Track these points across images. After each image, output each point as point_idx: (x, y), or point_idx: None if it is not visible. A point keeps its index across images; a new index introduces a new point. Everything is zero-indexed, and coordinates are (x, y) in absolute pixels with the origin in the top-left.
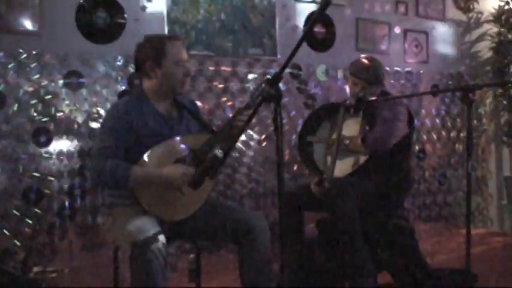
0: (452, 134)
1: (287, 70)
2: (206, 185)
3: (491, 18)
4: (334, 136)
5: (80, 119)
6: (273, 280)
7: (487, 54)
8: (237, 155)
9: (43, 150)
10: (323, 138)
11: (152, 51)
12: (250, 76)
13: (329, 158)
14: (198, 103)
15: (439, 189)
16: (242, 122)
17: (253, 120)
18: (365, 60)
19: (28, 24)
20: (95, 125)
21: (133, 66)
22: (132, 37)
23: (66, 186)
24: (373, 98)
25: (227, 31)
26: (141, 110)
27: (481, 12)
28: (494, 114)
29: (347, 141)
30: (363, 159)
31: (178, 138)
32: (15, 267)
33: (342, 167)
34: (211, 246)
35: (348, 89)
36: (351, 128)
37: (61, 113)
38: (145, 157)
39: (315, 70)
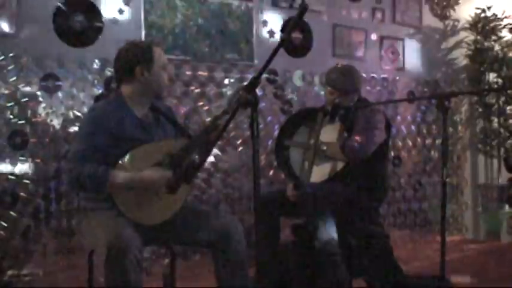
0: (428, 141)
1: (264, 75)
2: (182, 190)
3: (467, 25)
4: (312, 141)
5: (56, 122)
6: (248, 285)
7: (463, 61)
8: (213, 160)
9: (19, 153)
10: (300, 142)
11: (142, 56)
12: (227, 81)
13: (306, 163)
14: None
15: (414, 196)
16: (219, 128)
17: (230, 126)
18: (340, 70)
19: (5, 26)
20: (71, 128)
21: (110, 69)
22: (109, 41)
23: (41, 189)
24: (349, 105)
25: (204, 36)
26: (118, 114)
27: (457, 20)
28: (469, 121)
29: (324, 147)
30: (340, 165)
31: (154, 143)
32: None
33: (319, 173)
34: (186, 251)
35: (325, 97)
36: (328, 134)
37: (37, 116)
38: (122, 161)
39: (292, 76)
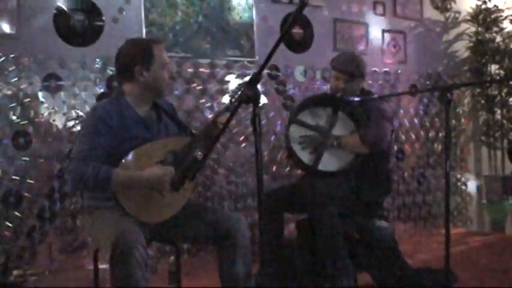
0: (431, 134)
1: (265, 71)
2: (186, 187)
3: (468, 17)
4: (324, 127)
5: (58, 122)
6: (252, 281)
7: (464, 53)
8: (216, 156)
9: (22, 153)
10: (312, 125)
11: (141, 55)
12: (229, 77)
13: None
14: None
15: (418, 189)
16: (221, 124)
17: (232, 122)
18: (347, 54)
19: (6, 27)
20: (74, 127)
21: (111, 68)
22: (110, 40)
23: (45, 189)
24: (353, 99)
25: (205, 33)
26: (120, 113)
27: (458, 12)
28: (472, 113)
29: (335, 142)
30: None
31: (158, 140)
32: None
33: (336, 161)
34: (191, 248)
35: (330, 84)
36: (340, 128)
37: (40, 116)
38: (125, 160)
39: (293, 71)
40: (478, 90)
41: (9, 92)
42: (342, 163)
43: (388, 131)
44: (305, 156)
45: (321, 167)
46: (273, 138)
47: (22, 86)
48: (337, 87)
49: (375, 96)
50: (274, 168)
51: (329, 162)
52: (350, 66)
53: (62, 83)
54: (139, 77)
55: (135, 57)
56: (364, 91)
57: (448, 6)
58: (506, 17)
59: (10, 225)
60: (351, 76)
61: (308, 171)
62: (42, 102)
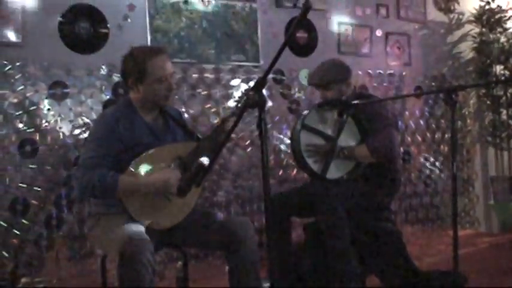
0: (437, 136)
1: (270, 75)
2: (193, 192)
3: (472, 18)
4: (332, 134)
5: (65, 129)
6: (261, 286)
7: (469, 54)
8: (222, 161)
9: (29, 161)
10: (321, 132)
11: (134, 69)
12: (234, 82)
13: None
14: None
15: (425, 191)
16: (227, 130)
17: (238, 126)
18: (317, 68)
19: (11, 35)
20: (80, 135)
21: (117, 75)
22: (115, 47)
23: (52, 196)
24: (357, 102)
25: (209, 38)
26: (128, 120)
27: (462, 13)
28: (478, 114)
29: (345, 151)
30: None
31: (164, 147)
32: (4, 278)
33: (341, 168)
34: (198, 254)
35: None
36: (346, 135)
37: (46, 124)
38: (132, 166)
39: (298, 75)
40: (484, 91)
41: (15, 100)
42: (346, 169)
43: (395, 139)
44: (312, 164)
45: (328, 175)
46: (278, 142)
47: (28, 94)
48: (323, 98)
49: (381, 99)
50: (280, 172)
51: (335, 170)
52: (315, 79)
53: (68, 90)
54: (133, 87)
55: (128, 70)
56: (367, 95)
57: (452, 8)
58: (510, 17)
59: (18, 233)
60: (323, 85)
61: (316, 179)
62: (48, 109)
